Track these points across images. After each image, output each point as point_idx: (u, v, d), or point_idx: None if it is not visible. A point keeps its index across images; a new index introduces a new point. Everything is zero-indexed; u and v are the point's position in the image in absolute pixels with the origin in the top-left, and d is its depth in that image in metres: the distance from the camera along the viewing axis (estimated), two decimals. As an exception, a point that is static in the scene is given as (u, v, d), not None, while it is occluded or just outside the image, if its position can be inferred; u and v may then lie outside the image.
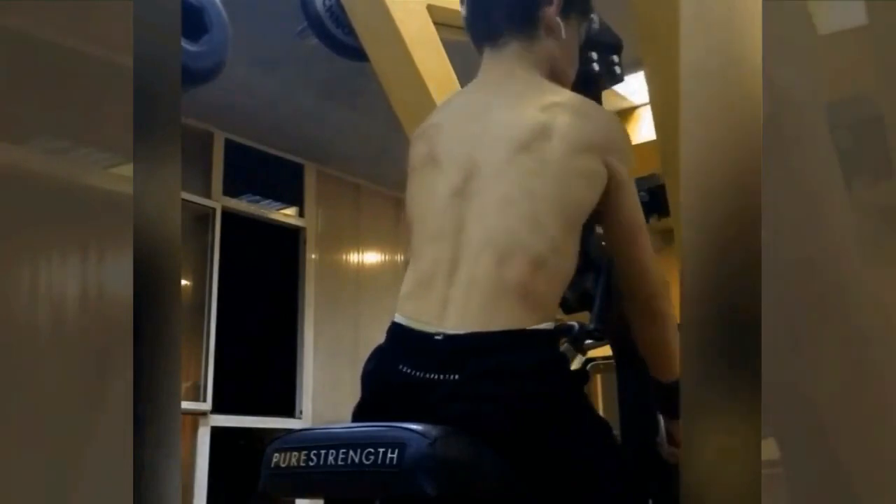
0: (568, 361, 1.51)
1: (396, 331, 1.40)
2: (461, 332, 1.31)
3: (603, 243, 1.87)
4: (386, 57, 2.35)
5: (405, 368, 1.34)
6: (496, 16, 1.55)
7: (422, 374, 1.32)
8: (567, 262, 1.41)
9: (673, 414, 1.57)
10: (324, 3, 2.39)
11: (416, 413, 1.29)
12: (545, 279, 1.35)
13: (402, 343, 1.38)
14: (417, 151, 1.53)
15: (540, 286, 1.35)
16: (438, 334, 1.33)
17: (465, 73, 1.71)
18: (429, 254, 1.41)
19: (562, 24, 1.55)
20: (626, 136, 1.52)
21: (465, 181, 1.42)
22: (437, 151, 1.49)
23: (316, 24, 2.40)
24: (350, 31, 2.39)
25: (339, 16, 2.39)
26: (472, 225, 1.38)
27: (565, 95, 1.50)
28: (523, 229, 1.36)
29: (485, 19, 1.57)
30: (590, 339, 1.74)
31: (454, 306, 1.34)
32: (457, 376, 1.29)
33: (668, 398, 1.52)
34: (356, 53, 2.43)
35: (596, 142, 1.43)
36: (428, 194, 1.47)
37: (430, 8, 2.33)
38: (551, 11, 1.53)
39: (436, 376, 1.31)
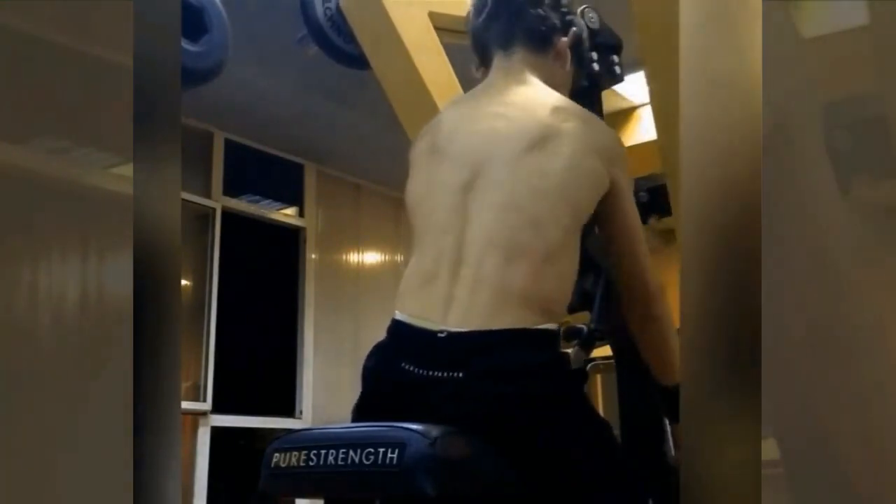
0: (569, 362, 1.50)
1: (398, 328, 1.39)
2: (465, 329, 1.31)
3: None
4: (388, 63, 2.35)
5: (407, 366, 1.33)
6: (514, 27, 1.62)
7: (425, 372, 1.32)
8: (570, 264, 1.42)
9: (678, 417, 1.56)
10: (325, 12, 2.39)
11: (419, 411, 1.28)
12: (550, 280, 1.36)
13: (404, 340, 1.38)
14: (421, 146, 1.55)
15: (545, 287, 1.35)
16: (441, 332, 1.32)
17: (468, 77, 1.72)
18: (432, 249, 1.41)
19: (569, 57, 1.66)
20: (624, 149, 1.58)
21: (473, 177, 1.42)
22: (443, 145, 1.50)
23: (316, 31, 2.41)
24: (351, 39, 2.39)
25: (340, 24, 2.39)
26: (478, 222, 1.38)
27: (571, 104, 1.57)
28: (528, 230, 1.37)
29: (501, 26, 1.62)
30: (596, 340, 1.74)
31: (458, 304, 1.34)
32: (460, 374, 1.29)
33: (672, 401, 1.51)
34: (356, 61, 2.43)
35: (601, 148, 1.48)
36: (432, 187, 1.47)
37: (432, 14, 2.33)
38: (565, 43, 1.65)
39: (439, 374, 1.31)
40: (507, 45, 1.61)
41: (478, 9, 1.65)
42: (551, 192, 1.40)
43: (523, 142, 1.44)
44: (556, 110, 1.50)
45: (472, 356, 1.30)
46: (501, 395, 1.28)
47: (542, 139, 1.44)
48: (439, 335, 1.32)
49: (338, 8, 2.39)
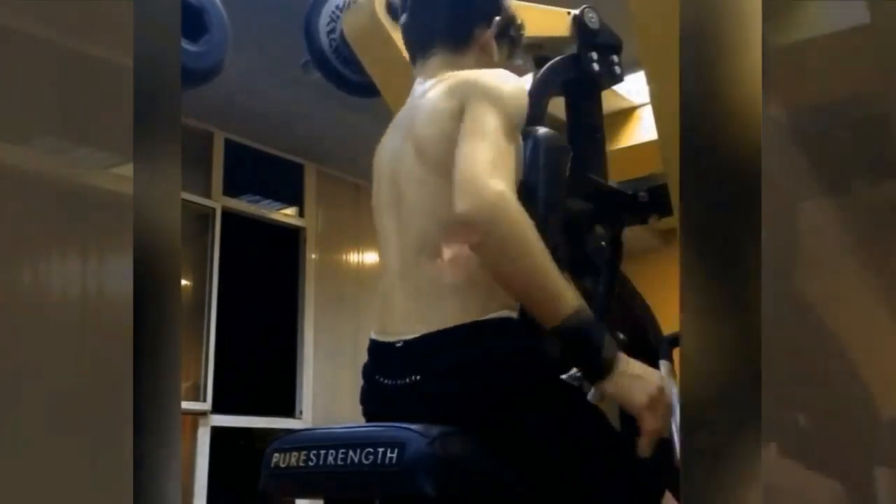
0: (542, 351, 1.39)
1: (371, 347, 1.48)
2: (417, 335, 1.37)
3: (602, 244, 1.87)
4: (396, 87, 2.34)
5: (380, 378, 1.42)
6: (432, 28, 1.58)
7: (391, 381, 1.39)
8: None
9: (596, 373, 1.29)
10: (329, 44, 2.38)
11: (397, 417, 1.32)
12: (475, 267, 1.33)
13: (374, 356, 1.47)
14: (373, 176, 1.60)
15: (472, 277, 1.34)
16: (398, 342, 1.39)
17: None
18: (386, 269, 1.49)
19: (495, 46, 1.60)
20: (492, 77, 1.42)
21: (395, 195, 1.48)
22: (375, 170, 1.57)
23: (320, 60, 2.39)
24: (357, 68, 2.38)
25: (345, 52, 2.37)
26: (407, 235, 1.44)
27: (456, 73, 1.48)
28: (439, 226, 1.38)
29: (420, 31, 1.61)
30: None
31: (409, 314, 1.40)
32: (418, 377, 1.35)
33: (570, 348, 1.28)
34: (361, 89, 2.42)
35: (456, 91, 1.41)
36: (379, 210, 1.54)
37: None
38: (489, 34, 1.58)
39: (402, 381, 1.37)
40: (424, 49, 1.58)
41: (401, 6, 1.64)
42: (438, 182, 1.37)
43: (412, 144, 1.45)
44: (432, 88, 1.47)
45: (426, 358, 1.35)
46: (462, 392, 1.32)
47: (415, 129, 1.45)
48: (397, 345, 1.39)
49: (342, 36, 2.36)
